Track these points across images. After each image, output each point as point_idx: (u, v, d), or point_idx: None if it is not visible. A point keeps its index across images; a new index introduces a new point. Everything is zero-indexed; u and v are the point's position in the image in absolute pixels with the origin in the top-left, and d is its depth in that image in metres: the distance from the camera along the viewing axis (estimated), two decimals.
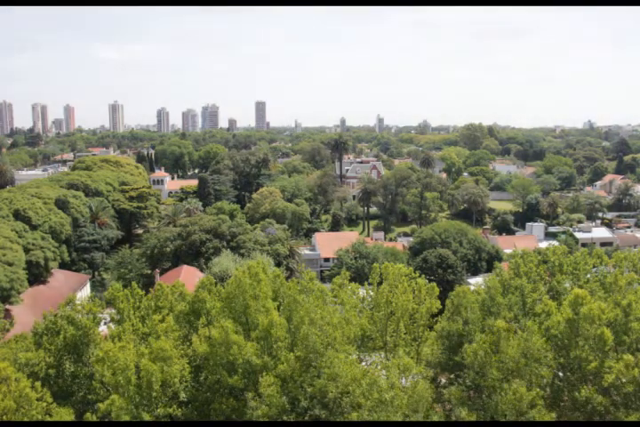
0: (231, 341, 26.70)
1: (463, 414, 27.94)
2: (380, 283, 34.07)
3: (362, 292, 35.54)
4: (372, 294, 34.56)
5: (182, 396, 27.56)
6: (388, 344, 31.96)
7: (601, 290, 33.90)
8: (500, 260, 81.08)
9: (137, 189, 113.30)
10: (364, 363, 30.99)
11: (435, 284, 34.48)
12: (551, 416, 27.76)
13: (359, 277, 70.64)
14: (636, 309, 30.40)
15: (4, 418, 23.70)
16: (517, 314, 32.59)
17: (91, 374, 27.56)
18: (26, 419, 23.97)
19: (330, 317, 28.08)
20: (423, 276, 35.92)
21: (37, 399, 24.85)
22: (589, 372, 28.86)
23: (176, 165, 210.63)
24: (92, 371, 27.40)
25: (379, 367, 28.85)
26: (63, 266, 79.92)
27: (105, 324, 33.34)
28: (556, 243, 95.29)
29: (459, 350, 30.77)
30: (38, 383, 25.41)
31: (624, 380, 27.95)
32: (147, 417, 25.43)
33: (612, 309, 30.79)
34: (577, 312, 29.48)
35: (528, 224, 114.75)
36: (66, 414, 24.75)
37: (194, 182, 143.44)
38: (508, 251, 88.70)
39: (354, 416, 24.81)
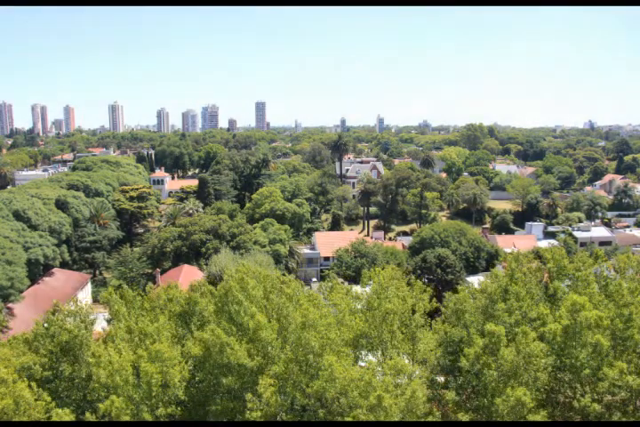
0: (224, 343, 26.89)
1: (461, 416, 28.14)
2: (376, 283, 34.33)
3: (358, 289, 35.76)
4: (366, 295, 34.83)
5: (181, 397, 27.82)
6: (384, 344, 32.16)
7: (601, 295, 33.76)
8: (499, 259, 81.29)
9: (137, 189, 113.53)
10: (360, 363, 31.19)
11: (431, 285, 34.71)
12: (547, 418, 27.94)
13: (359, 276, 70.85)
14: (637, 317, 30.47)
15: (4, 418, 23.88)
16: (517, 319, 32.68)
17: (88, 375, 27.73)
18: (25, 419, 24.19)
19: (324, 318, 28.30)
20: (418, 278, 36.13)
21: (35, 400, 25.10)
22: (585, 377, 29.06)
23: (176, 165, 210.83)
24: (88, 372, 27.58)
25: (376, 368, 29.05)
26: (64, 266, 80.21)
27: (103, 321, 33.57)
28: (555, 242, 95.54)
29: (457, 354, 30.94)
30: (35, 384, 25.60)
31: (619, 384, 28.13)
32: (147, 417, 25.66)
33: (611, 315, 30.74)
34: (574, 319, 29.52)
35: (527, 224, 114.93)
36: (65, 415, 24.95)
37: (194, 182, 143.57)
38: (507, 250, 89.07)
39: (352, 417, 25.01)
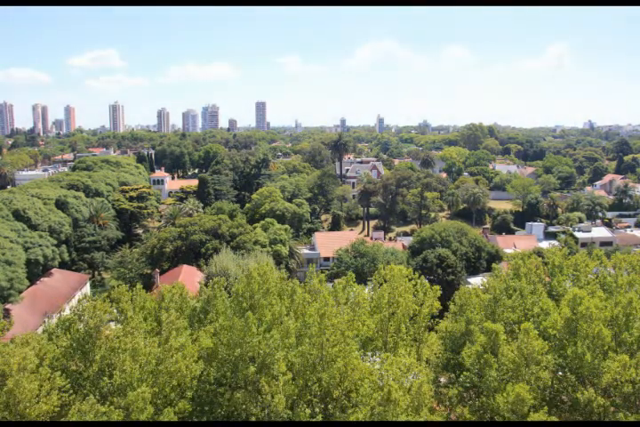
0: (251, 331, 26.92)
1: (463, 414, 27.98)
2: (381, 284, 34.17)
3: (360, 289, 35.61)
4: (372, 294, 34.67)
5: (189, 394, 27.84)
6: (388, 344, 32.03)
7: (601, 291, 33.91)
8: (500, 259, 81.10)
9: (137, 189, 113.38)
10: (367, 363, 31.08)
11: (436, 285, 34.57)
12: (551, 418, 27.76)
13: (359, 276, 70.69)
14: (637, 308, 30.40)
15: (25, 405, 23.84)
16: (520, 316, 32.61)
17: (100, 370, 27.63)
18: (45, 408, 24.39)
19: (339, 315, 28.24)
20: (423, 277, 35.99)
21: (60, 389, 25.38)
22: (587, 371, 28.88)
23: (176, 165, 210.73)
24: (103, 365, 27.46)
25: (381, 367, 28.95)
26: (63, 266, 79.99)
27: (109, 322, 33.41)
28: (556, 243, 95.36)
29: (460, 351, 30.83)
30: (57, 374, 25.78)
31: (622, 380, 27.95)
32: (167, 414, 25.68)
33: (611, 308, 30.79)
34: (575, 311, 29.50)
35: (528, 224, 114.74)
36: (85, 406, 24.94)
37: (194, 182, 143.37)
38: (508, 250, 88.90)
39: (358, 416, 24.87)
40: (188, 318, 32.70)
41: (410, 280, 33.92)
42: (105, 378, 26.59)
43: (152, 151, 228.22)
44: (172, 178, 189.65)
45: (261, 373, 26.98)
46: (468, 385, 29.67)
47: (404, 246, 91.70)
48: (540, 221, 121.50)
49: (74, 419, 24.75)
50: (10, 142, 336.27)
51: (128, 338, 27.47)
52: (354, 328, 28.83)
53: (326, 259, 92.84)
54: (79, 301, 30.19)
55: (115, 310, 31.92)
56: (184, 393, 27.95)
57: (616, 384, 28.37)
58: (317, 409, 26.63)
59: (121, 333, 28.45)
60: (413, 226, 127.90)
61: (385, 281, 33.84)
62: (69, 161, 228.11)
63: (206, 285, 35.11)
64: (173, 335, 28.53)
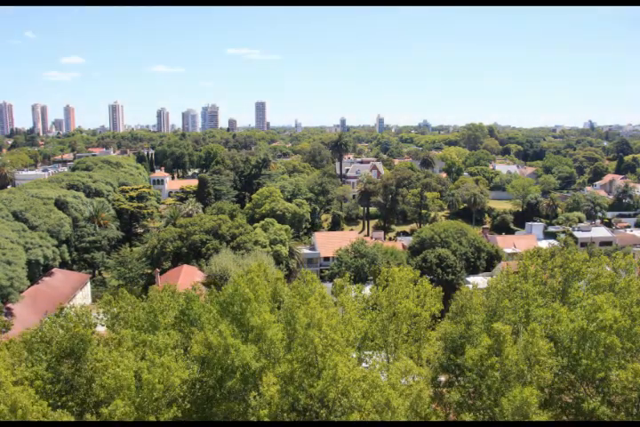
0: (229, 345, 26.78)
1: (464, 416, 27.97)
2: (384, 286, 34.16)
3: (363, 292, 35.64)
4: (372, 294, 34.68)
5: (185, 399, 27.67)
6: (389, 345, 32.05)
7: (610, 293, 33.58)
8: (500, 259, 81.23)
9: (137, 189, 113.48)
10: (364, 364, 31.10)
11: (437, 286, 34.65)
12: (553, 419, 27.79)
13: (358, 276, 70.91)
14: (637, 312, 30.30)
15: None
16: (522, 317, 32.54)
17: (89, 379, 27.49)
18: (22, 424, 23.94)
19: (330, 319, 28.19)
20: (426, 278, 36.01)
21: (32, 404, 24.64)
22: (597, 378, 28.80)
23: (176, 165, 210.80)
24: (90, 375, 27.34)
25: (378, 367, 28.93)
26: (64, 266, 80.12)
27: (102, 324, 33.32)
28: (555, 242, 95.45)
29: (460, 352, 30.80)
30: (32, 390, 25.23)
31: (631, 387, 27.87)
32: (151, 419, 25.52)
33: (624, 317, 30.56)
34: (591, 320, 29.30)
35: (527, 224, 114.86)
36: (65, 416, 24.63)
37: (194, 182, 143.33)
38: (507, 250, 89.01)
39: (354, 417, 24.90)
40: (180, 322, 32.32)
41: (412, 281, 33.99)
42: (94, 386, 26.35)
43: (152, 151, 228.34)
44: (172, 178, 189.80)
45: (248, 384, 26.97)
46: (470, 388, 29.61)
47: (403, 246, 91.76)
48: (540, 221, 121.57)
49: None
50: (9, 142, 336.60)
51: (112, 352, 27.22)
52: (346, 330, 28.78)
53: (326, 259, 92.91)
54: (60, 311, 29.98)
55: (108, 315, 31.85)
56: (176, 400, 27.64)
57: (624, 392, 28.30)
58: (315, 413, 26.64)
59: (107, 342, 28.32)
60: (413, 226, 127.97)
61: (387, 281, 33.83)
62: (69, 161, 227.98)
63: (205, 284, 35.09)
64: (160, 348, 28.12)
